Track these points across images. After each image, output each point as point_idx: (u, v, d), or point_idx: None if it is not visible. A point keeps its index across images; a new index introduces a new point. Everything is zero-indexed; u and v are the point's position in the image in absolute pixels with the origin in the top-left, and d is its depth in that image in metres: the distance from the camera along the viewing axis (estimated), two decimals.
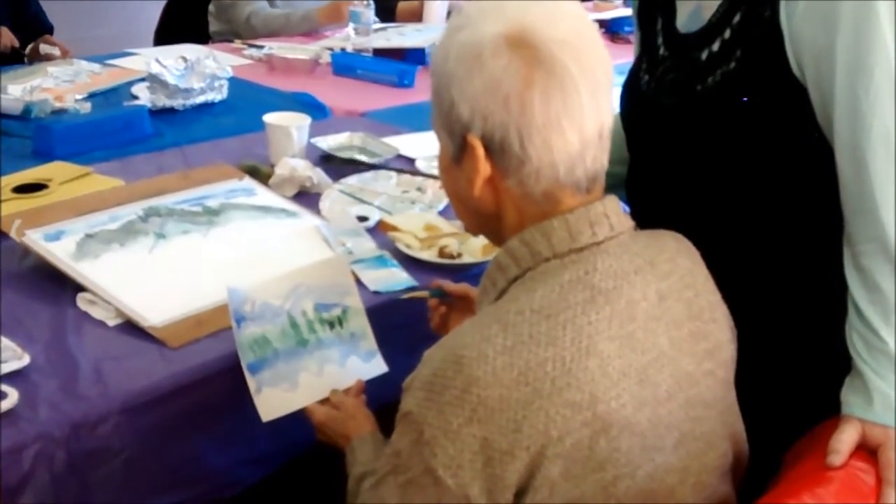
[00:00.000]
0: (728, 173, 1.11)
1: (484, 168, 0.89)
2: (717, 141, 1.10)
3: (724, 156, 1.10)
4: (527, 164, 0.87)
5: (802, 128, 1.05)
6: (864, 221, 0.99)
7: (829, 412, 1.02)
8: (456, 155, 0.92)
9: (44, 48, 2.70)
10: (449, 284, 1.30)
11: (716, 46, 1.09)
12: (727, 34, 1.08)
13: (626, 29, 3.16)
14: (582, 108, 0.86)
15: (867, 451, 0.97)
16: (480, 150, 0.88)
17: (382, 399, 1.21)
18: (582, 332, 0.84)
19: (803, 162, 1.08)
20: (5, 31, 2.77)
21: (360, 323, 1.30)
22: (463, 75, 0.87)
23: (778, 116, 1.06)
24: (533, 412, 0.81)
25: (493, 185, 0.90)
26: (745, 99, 1.06)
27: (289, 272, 1.29)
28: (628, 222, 0.93)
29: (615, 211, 0.92)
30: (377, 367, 1.29)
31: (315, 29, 3.10)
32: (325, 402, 1.22)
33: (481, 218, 0.95)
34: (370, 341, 1.30)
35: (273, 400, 1.19)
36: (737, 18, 1.08)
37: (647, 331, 0.88)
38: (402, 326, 1.32)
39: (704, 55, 1.10)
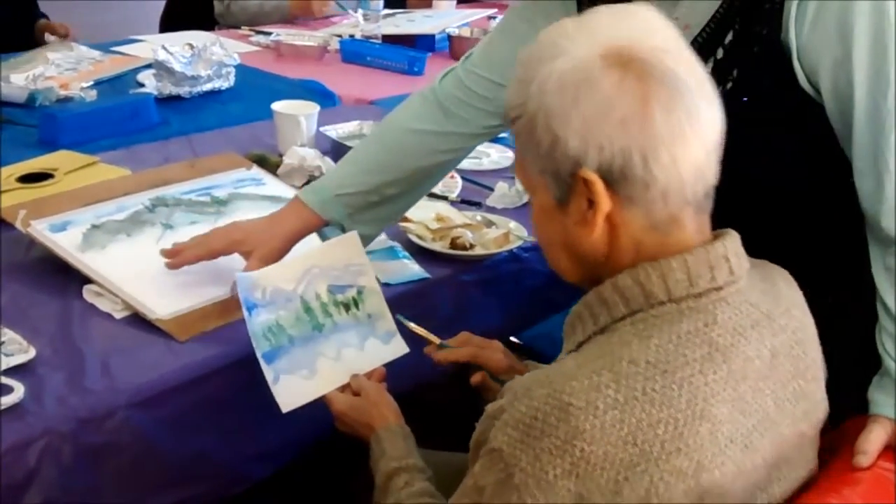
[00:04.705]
0: (742, 179, 1.07)
1: (605, 202, 0.82)
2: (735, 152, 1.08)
3: (740, 164, 1.07)
4: (652, 186, 0.81)
5: (807, 137, 1.04)
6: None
7: (853, 411, 1.00)
8: (561, 197, 0.84)
9: (47, 37, 2.67)
10: (453, 350, 1.23)
11: (708, 67, 1.06)
12: (720, 54, 1.06)
13: None
14: (701, 115, 0.81)
15: (895, 450, 0.95)
16: (600, 184, 0.81)
17: (395, 390, 1.19)
18: (698, 393, 0.80)
19: (811, 163, 1.07)
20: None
21: (377, 303, 1.27)
22: (567, 105, 0.80)
23: (781, 125, 1.05)
24: (637, 475, 0.77)
25: (609, 222, 0.84)
26: (745, 99, 1.05)
27: (299, 255, 1.27)
28: (746, 263, 0.88)
29: (735, 252, 0.86)
30: (398, 348, 1.26)
31: (287, 20, 3.09)
32: (344, 388, 1.19)
33: (587, 264, 0.87)
34: (388, 321, 1.27)
35: (291, 389, 1.16)
36: (729, 38, 1.05)
37: (756, 391, 0.84)
38: (413, 319, 1.30)
39: None
